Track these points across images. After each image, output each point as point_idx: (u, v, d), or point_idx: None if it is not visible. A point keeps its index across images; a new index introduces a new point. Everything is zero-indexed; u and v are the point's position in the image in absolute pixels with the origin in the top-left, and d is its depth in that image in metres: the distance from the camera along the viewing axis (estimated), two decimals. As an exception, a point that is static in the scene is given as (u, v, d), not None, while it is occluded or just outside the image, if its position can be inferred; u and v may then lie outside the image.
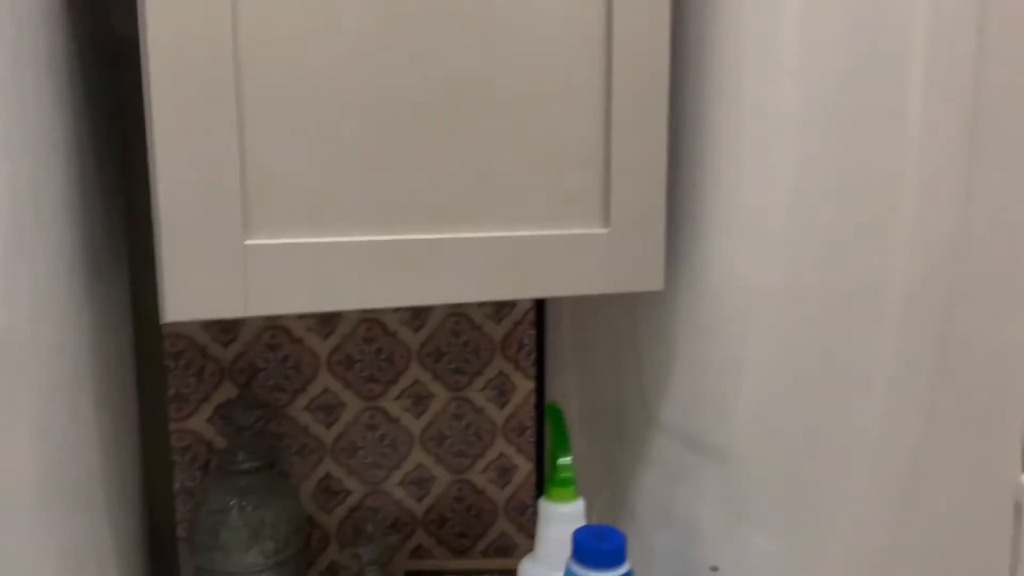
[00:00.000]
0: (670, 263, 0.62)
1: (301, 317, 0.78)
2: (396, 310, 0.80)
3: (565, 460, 0.66)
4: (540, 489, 0.89)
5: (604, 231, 0.56)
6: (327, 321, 0.78)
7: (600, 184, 0.56)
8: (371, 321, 0.80)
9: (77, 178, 0.50)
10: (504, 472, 0.86)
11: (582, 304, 0.80)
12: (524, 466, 0.86)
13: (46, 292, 0.42)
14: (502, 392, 0.85)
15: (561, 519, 0.66)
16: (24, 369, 0.38)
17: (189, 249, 0.47)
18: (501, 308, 0.84)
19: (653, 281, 0.58)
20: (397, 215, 0.52)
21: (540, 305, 0.88)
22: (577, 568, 0.59)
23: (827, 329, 0.51)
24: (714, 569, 0.61)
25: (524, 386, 0.85)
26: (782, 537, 0.55)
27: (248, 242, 0.48)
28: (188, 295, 0.47)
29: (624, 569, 0.59)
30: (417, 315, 0.81)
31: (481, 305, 0.83)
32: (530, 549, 0.88)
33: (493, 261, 0.54)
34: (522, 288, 0.55)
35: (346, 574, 0.82)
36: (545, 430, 0.89)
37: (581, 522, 0.67)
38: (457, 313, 0.82)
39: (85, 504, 0.49)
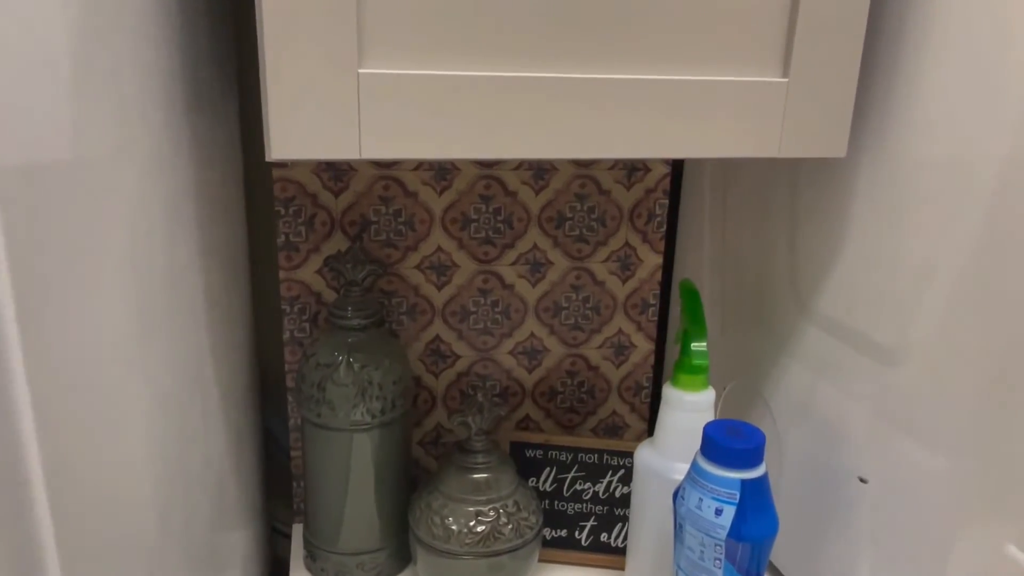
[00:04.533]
0: (853, 127, 0.51)
1: (416, 168, 0.72)
2: (518, 167, 0.73)
3: (700, 345, 0.59)
4: (658, 371, 0.83)
5: (782, 81, 0.47)
6: (443, 175, 0.72)
7: (782, 19, 0.46)
8: (490, 178, 0.73)
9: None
10: (621, 350, 0.80)
11: (729, 172, 0.71)
12: (643, 346, 0.80)
13: (135, 118, 0.37)
14: (626, 265, 0.78)
15: (687, 408, 0.60)
16: (105, 204, 0.34)
17: (297, 76, 0.41)
18: (633, 172, 0.75)
19: (834, 146, 0.48)
20: (534, 47, 0.44)
21: (676, 172, 0.79)
22: (706, 465, 0.53)
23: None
24: (863, 481, 0.54)
25: (651, 260, 0.78)
26: (956, 457, 0.47)
27: (363, 70, 0.42)
28: (296, 130, 0.42)
29: (760, 471, 0.53)
30: (540, 175, 0.74)
31: (611, 167, 0.75)
32: (641, 431, 0.84)
33: (645, 110, 0.45)
34: (676, 145, 0.46)
35: (451, 439, 0.80)
36: (671, 310, 0.82)
37: (709, 413, 0.61)
38: (584, 175, 0.74)
39: (189, 346, 0.46)
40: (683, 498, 0.54)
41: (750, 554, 0.52)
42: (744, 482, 0.52)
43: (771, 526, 0.53)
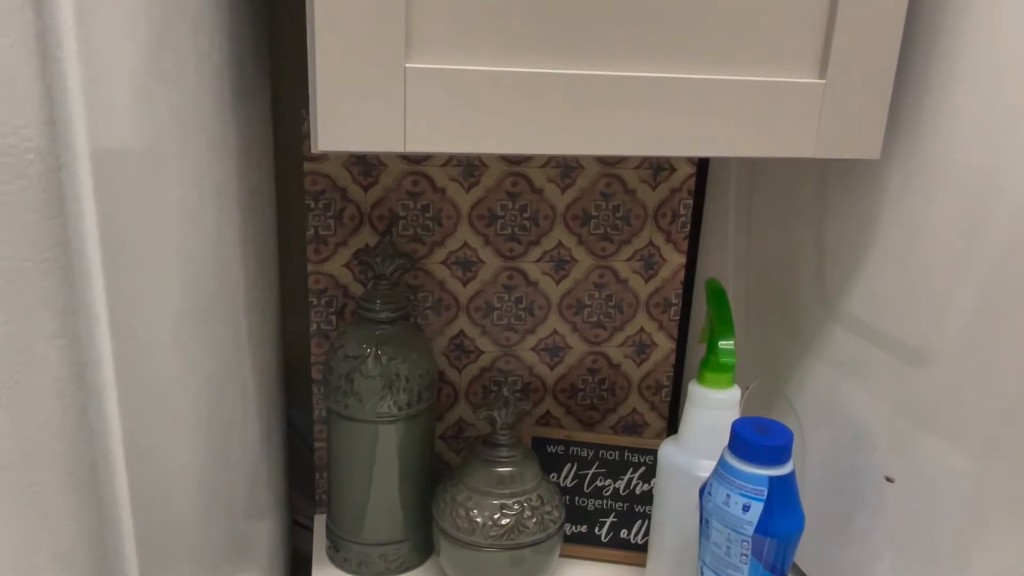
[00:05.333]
0: (886, 128, 0.51)
1: (445, 164, 0.72)
2: (545, 164, 0.74)
3: (727, 344, 0.59)
4: (678, 370, 0.84)
5: (819, 82, 0.47)
6: (471, 171, 0.73)
7: (820, 20, 0.46)
8: (517, 175, 0.74)
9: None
10: (642, 348, 0.81)
11: (755, 172, 0.71)
12: (664, 344, 0.81)
13: (193, 109, 0.38)
14: (649, 264, 0.78)
15: (713, 405, 0.61)
16: (167, 190, 0.35)
17: (345, 69, 0.42)
18: (659, 172, 0.76)
19: (868, 147, 0.49)
20: (577, 44, 0.44)
21: (702, 172, 0.79)
22: (734, 461, 0.53)
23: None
24: (889, 480, 0.54)
25: (674, 260, 0.78)
26: (982, 458, 0.48)
27: (410, 65, 0.42)
28: (342, 123, 0.42)
29: (788, 468, 0.53)
30: (567, 172, 0.74)
31: (637, 167, 0.75)
32: (660, 430, 0.84)
33: (684, 108, 0.46)
34: (713, 144, 0.47)
35: (473, 433, 0.80)
36: (693, 310, 0.82)
37: (734, 411, 0.61)
38: (610, 174, 0.75)
39: (230, 334, 0.47)
40: (710, 494, 0.55)
41: (776, 550, 0.53)
42: (772, 479, 0.52)
43: (798, 523, 0.53)
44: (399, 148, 0.43)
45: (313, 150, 0.43)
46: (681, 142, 0.47)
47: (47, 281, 0.21)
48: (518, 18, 0.43)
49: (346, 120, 0.42)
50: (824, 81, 0.47)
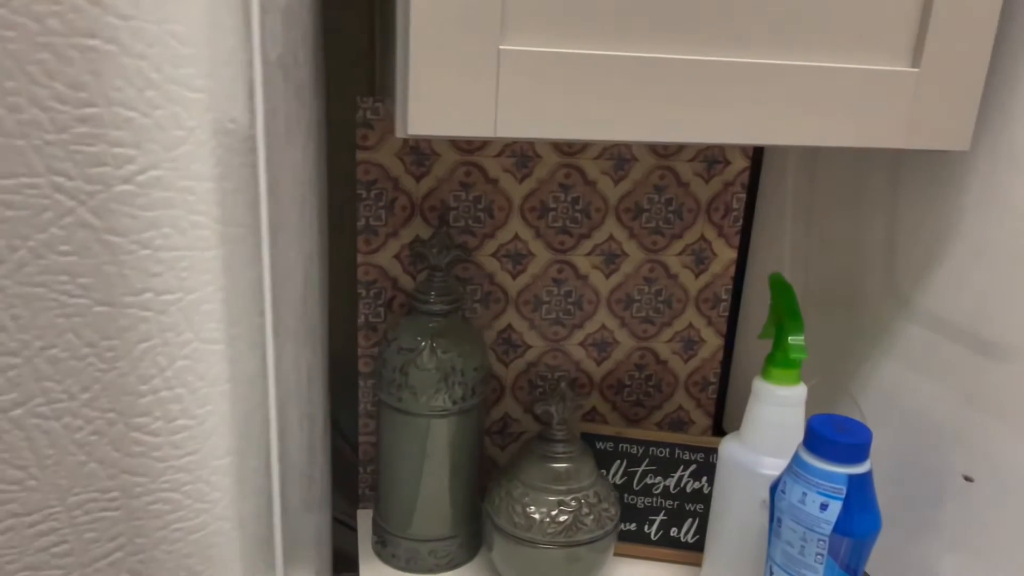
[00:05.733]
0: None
1: (498, 155, 0.71)
2: (599, 156, 0.73)
3: (798, 339, 0.58)
4: (726, 367, 0.83)
5: (913, 71, 0.46)
6: (524, 162, 0.71)
7: (915, 9, 0.45)
8: (570, 167, 0.72)
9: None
10: (690, 344, 0.80)
11: (817, 164, 0.70)
12: (712, 341, 0.80)
13: (299, 83, 0.37)
14: (700, 259, 0.77)
15: (779, 402, 0.60)
16: (287, 171, 0.33)
17: (440, 52, 0.40)
18: (713, 165, 0.75)
19: (959, 138, 0.48)
20: (671, 28, 0.43)
21: (755, 165, 0.78)
22: (811, 459, 0.52)
23: None
24: (968, 479, 0.53)
25: (725, 255, 0.77)
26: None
27: (504, 47, 0.41)
28: (433, 106, 0.41)
29: (866, 467, 0.52)
30: (620, 165, 0.73)
31: (692, 159, 0.74)
32: (706, 427, 0.83)
33: (775, 95, 0.45)
34: (803, 132, 0.46)
35: (519, 429, 0.79)
36: (742, 305, 0.81)
37: (800, 408, 0.60)
38: (664, 166, 0.74)
39: (315, 322, 0.45)
40: (783, 492, 0.54)
41: (853, 550, 0.52)
42: (851, 477, 0.51)
43: (875, 523, 0.52)
44: (489, 133, 0.42)
45: (398, 134, 0.42)
46: (773, 130, 0.46)
47: (256, 254, 0.20)
48: (616, 3, 0.42)
49: (438, 104, 0.41)
50: (918, 70, 0.46)
